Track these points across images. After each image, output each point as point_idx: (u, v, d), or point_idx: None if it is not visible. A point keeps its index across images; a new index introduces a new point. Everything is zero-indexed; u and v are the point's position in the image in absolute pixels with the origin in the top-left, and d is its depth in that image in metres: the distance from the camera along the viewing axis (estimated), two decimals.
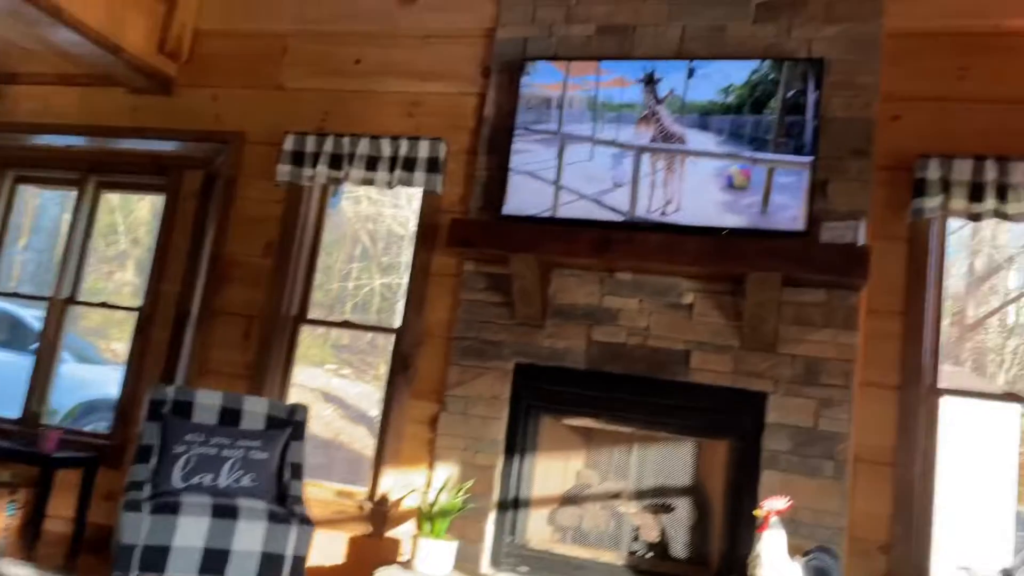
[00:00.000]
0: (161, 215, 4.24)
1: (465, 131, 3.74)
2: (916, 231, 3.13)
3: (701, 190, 3.17)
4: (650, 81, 3.29)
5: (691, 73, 3.28)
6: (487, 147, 3.62)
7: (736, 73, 3.21)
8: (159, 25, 4.12)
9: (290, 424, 3.32)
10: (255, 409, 3.35)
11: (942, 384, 3.06)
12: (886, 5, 3.24)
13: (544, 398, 3.37)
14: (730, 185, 3.14)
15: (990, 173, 2.96)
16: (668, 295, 3.28)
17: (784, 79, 3.14)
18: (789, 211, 3.05)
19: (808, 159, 3.06)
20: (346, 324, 3.94)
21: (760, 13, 3.38)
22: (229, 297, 3.94)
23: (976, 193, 2.98)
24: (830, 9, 3.29)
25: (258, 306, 3.87)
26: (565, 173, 3.36)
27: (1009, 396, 3.64)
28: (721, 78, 3.23)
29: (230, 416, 3.30)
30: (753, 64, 3.20)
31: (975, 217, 2.97)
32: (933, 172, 3.01)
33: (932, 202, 3.00)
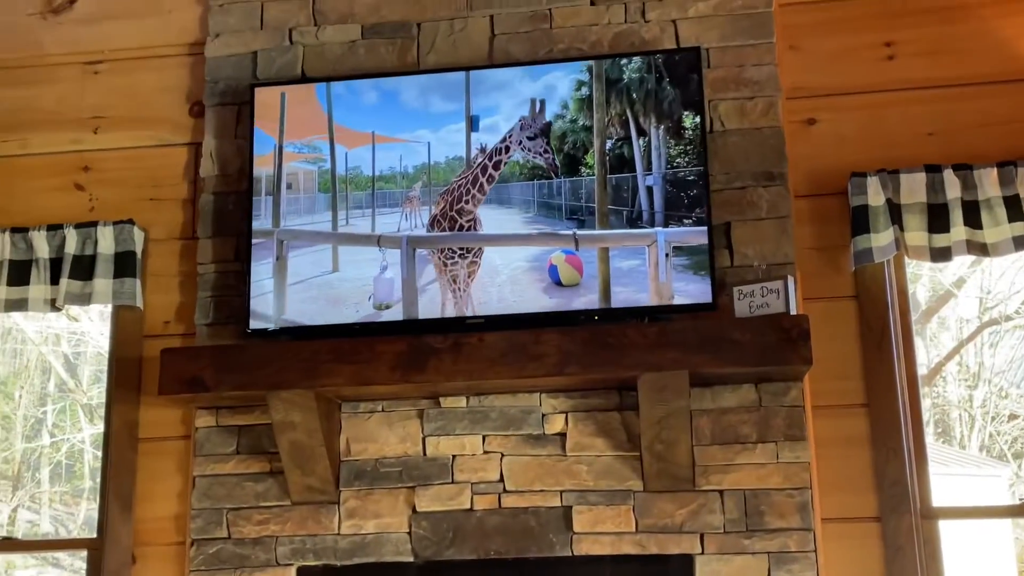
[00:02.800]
0: None
1: (174, 204, 3.42)
2: (865, 282, 3.07)
3: (515, 296, 3.02)
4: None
5: (475, 124, 3.14)
6: (213, 227, 3.28)
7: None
8: None
9: None
10: None
11: (939, 502, 2.96)
12: None
13: None
14: (557, 283, 3.02)
15: (952, 189, 2.94)
16: (525, 423, 3.03)
17: (598, 124, 3.08)
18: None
19: (651, 231, 2.99)
20: (6, 545, 3.33)
21: None
22: None
23: (938, 220, 2.95)
24: None
25: None
26: (289, 297, 3.10)
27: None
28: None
29: None
30: (555, 108, 3.12)
31: (942, 254, 2.95)
32: (875, 195, 2.97)
33: (882, 238, 2.95)
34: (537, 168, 3.09)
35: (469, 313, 3.03)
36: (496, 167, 3.10)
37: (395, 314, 3.05)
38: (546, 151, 3.08)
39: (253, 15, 3.42)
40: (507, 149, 3.11)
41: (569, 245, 3.04)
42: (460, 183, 3.11)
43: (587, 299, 2.99)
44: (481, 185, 3.10)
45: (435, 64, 3.30)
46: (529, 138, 3.11)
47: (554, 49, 3.26)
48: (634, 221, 3.02)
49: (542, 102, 3.11)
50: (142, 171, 3.44)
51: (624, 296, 2.97)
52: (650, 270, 2.98)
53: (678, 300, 2.94)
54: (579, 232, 3.04)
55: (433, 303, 3.05)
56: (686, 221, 2.98)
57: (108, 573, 3.13)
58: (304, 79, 3.30)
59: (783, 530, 2.86)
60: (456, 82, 3.16)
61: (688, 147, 3.04)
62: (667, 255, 2.96)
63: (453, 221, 3.09)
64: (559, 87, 3.12)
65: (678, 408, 2.80)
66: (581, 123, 3.10)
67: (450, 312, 3.04)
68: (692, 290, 2.94)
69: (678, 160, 3.04)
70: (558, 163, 3.08)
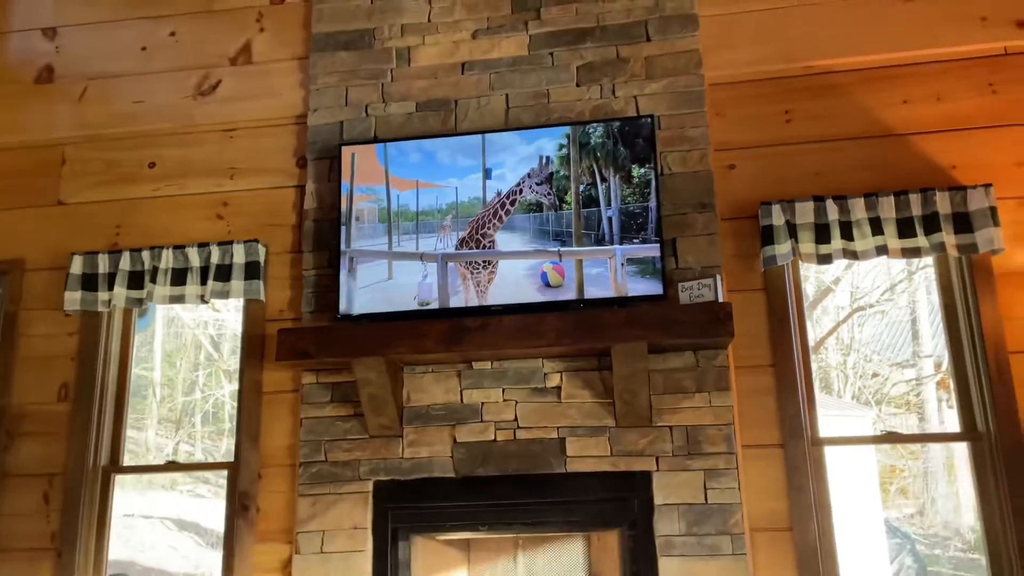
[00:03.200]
0: None
1: (286, 228, 3.36)
2: (771, 279, 3.03)
3: (517, 294, 2.99)
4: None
5: (488, 174, 3.10)
6: (313, 243, 3.25)
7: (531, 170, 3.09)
8: None
9: None
10: None
11: (824, 433, 2.92)
12: (704, 57, 3.19)
13: (412, 517, 2.96)
14: (546, 284, 2.98)
15: (832, 213, 2.90)
16: (532, 380, 3.00)
17: (574, 173, 3.05)
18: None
19: (611, 248, 2.96)
20: (170, 467, 3.37)
21: (583, 75, 3.24)
22: (21, 455, 3.26)
23: (822, 235, 2.91)
24: (651, 65, 3.20)
25: (58, 461, 3.22)
26: (357, 298, 3.06)
27: (890, 437, 3.57)
28: (515, 178, 3.08)
29: None
30: (547, 161, 3.08)
31: (825, 259, 2.90)
32: (778, 218, 2.93)
33: (782, 248, 2.91)
34: (536, 205, 3.05)
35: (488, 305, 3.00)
36: (512, 204, 3.06)
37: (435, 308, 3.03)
38: (549, 193, 3.04)
39: (340, 96, 3.39)
40: (521, 191, 3.07)
41: (555, 257, 3.00)
42: (484, 215, 3.08)
43: (568, 295, 2.96)
44: (500, 216, 3.07)
45: (468, 128, 3.26)
46: (537, 183, 3.06)
47: (550, 117, 3.22)
48: (599, 241, 2.98)
49: (548, 158, 3.06)
50: (264, 205, 3.40)
51: (593, 292, 2.94)
52: (610, 275, 2.95)
53: (633, 295, 2.90)
54: (562, 249, 3.00)
55: (460, 302, 3.02)
56: (635, 240, 2.94)
57: (242, 485, 3.11)
58: (375, 140, 3.27)
59: (714, 454, 2.83)
60: (476, 144, 3.13)
61: (635, 189, 3.00)
62: (622, 264, 2.93)
63: (477, 242, 3.07)
64: (547, 147, 3.08)
65: (640, 368, 2.77)
66: (563, 173, 3.06)
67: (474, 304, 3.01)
68: (641, 287, 2.90)
69: (628, 198, 3.00)
70: (557, 202, 3.04)
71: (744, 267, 3.05)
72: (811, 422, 2.92)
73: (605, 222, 2.99)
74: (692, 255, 3.01)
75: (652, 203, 2.96)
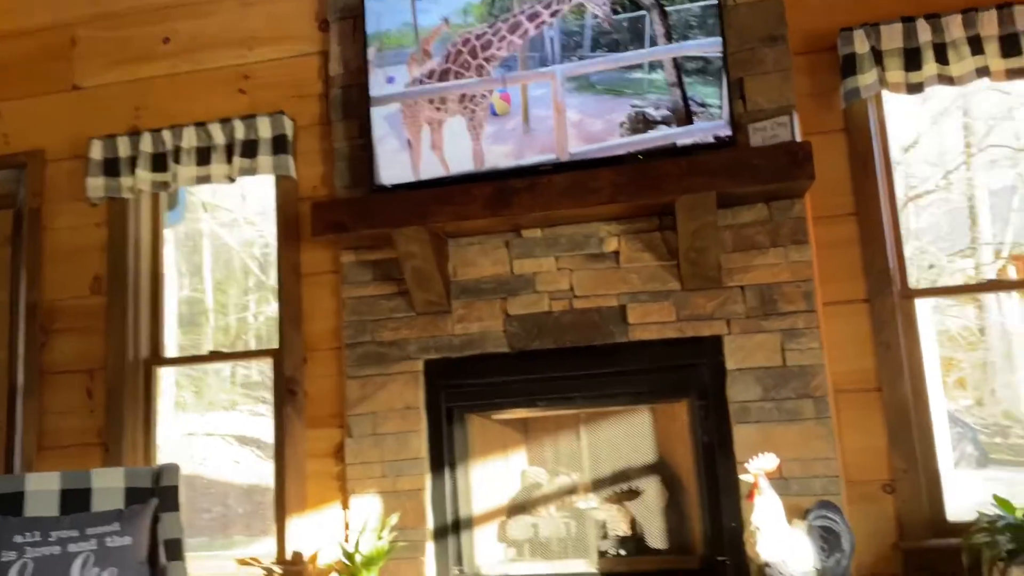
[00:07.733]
0: None
1: (313, 99, 3.09)
2: (852, 118, 2.67)
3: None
4: None
5: None
6: (341, 112, 2.97)
7: None
8: None
9: (157, 493, 2.57)
10: (108, 483, 2.57)
11: (913, 285, 2.61)
12: None
13: (466, 395, 2.77)
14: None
15: (924, 34, 2.52)
16: (587, 245, 2.73)
17: None
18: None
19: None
20: (214, 356, 3.23)
21: None
22: (59, 351, 3.13)
23: (912, 60, 2.53)
24: None
25: (97, 356, 3.08)
26: (395, 166, 2.80)
27: (993, 285, 3.23)
28: None
29: (75, 499, 2.52)
30: None
31: (916, 88, 2.54)
32: (860, 44, 2.55)
33: (866, 78, 2.54)
34: (579, 14, 2.65)
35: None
36: (553, 14, 2.67)
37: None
38: (605, 3, 2.66)
39: None
40: None
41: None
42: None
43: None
44: (525, 31, 2.69)
45: None
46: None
47: None
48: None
49: None
50: (287, 76, 3.12)
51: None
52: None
53: (696, 142, 2.55)
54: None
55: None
56: (697, 81, 2.56)
57: (288, 371, 2.94)
58: None
59: (792, 313, 2.55)
60: None
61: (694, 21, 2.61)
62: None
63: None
64: None
65: (707, 223, 2.48)
66: None
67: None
68: (706, 131, 2.55)
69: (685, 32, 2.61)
70: (611, 11, 2.63)
71: (821, 106, 2.70)
72: (901, 272, 2.62)
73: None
74: (763, 95, 2.66)
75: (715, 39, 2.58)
